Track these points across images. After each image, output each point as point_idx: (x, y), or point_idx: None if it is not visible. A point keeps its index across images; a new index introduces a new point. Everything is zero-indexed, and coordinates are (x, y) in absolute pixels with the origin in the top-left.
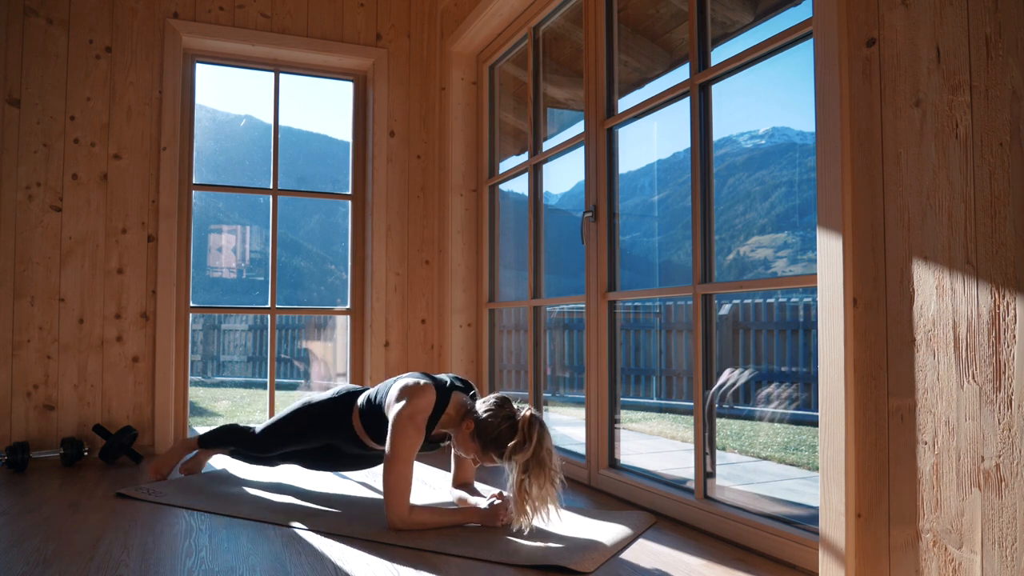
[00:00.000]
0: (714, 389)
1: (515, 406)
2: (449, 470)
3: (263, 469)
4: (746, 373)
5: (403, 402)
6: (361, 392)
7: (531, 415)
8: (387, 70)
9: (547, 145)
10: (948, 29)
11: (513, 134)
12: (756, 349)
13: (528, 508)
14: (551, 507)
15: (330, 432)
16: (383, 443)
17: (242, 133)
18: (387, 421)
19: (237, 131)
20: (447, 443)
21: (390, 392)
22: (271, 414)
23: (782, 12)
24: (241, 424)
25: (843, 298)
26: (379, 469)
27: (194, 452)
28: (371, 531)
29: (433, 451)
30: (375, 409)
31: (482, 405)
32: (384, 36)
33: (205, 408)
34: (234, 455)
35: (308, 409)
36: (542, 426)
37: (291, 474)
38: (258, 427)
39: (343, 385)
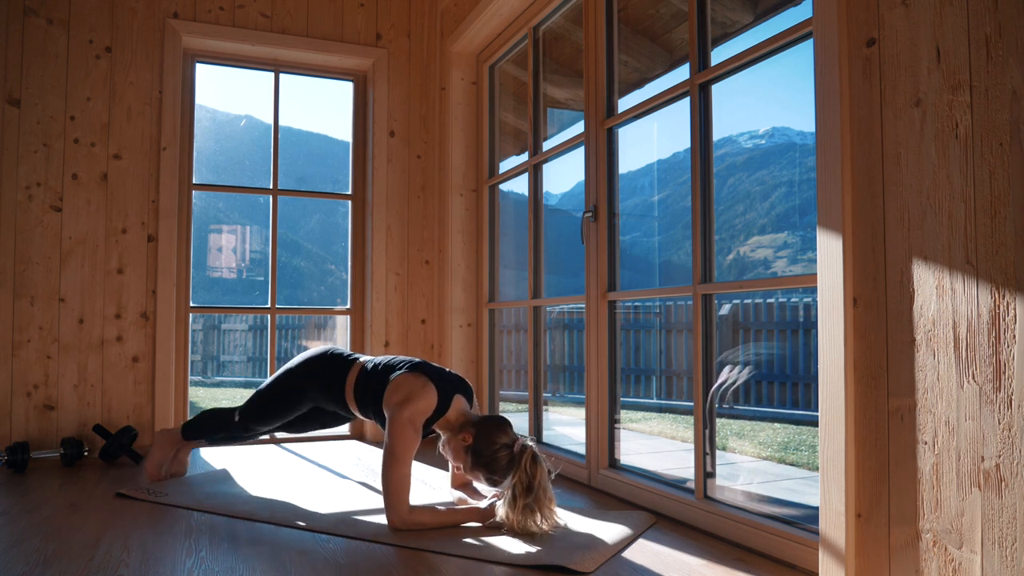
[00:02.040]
0: (713, 388)
1: (514, 434)
2: (447, 469)
3: (262, 470)
4: (745, 371)
5: (404, 401)
6: (345, 354)
7: (533, 452)
8: (387, 70)
9: (547, 145)
10: (948, 29)
11: (513, 134)
12: (756, 349)
13: (516, 530)
14: (538, 530)
15: (323, 395)
16: (366, 411)
17: (242, 133)
18: (379, 395)
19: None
20: (435, 434)
21: (392, 379)
22: None
23: (782, 12)
24: (220, 408)
25: (843, 298)
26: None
27: (176, 448)
28: (371, 531)
29: (424, 437)
30: (376, 377)
31: (484, 423)
32: (384, 36)
33: (205, 408)
34: (213, 442)
35: (295, 377)
36: (541, 465)
37: (291, 474)
38: (238, 409)
39: (319, 348)
